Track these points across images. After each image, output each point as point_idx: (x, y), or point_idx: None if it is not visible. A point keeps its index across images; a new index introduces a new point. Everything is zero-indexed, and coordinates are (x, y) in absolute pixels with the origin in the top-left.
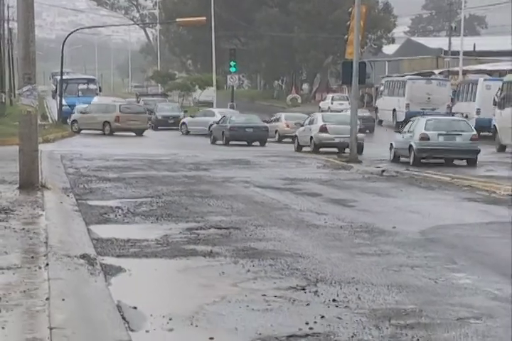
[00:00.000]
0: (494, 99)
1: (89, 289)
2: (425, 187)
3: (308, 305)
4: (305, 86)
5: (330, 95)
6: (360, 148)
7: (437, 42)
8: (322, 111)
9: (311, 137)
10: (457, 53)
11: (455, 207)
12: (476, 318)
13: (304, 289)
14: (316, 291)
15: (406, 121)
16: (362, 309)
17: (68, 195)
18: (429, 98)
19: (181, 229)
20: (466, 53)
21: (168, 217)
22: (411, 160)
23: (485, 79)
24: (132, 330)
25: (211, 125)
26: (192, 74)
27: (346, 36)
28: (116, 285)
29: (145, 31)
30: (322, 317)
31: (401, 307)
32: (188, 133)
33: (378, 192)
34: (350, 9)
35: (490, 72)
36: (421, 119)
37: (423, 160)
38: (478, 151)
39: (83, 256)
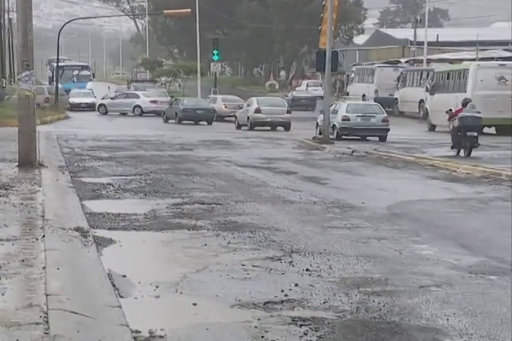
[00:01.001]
0: (426, 87)
1: (83, 259)
2: (392, 167)
3: (283, 274)
4: (282, 73)
5: (305, 81)
6: (287, 126)
7: (404, 33)
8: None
9: (248, 117)
10: (422, 43)
11: (419, 185)
12: (437, 286)
13: (279, 259)
14: (291, 261)
15: None
16: (333, 277)
17: (64, 173)
18: (396, 84)
19: (167, 204)
20: (430, 43)
21: (156, 193)
22: (334, 137)
23: None
24: (122, 297)
25: (136, 106)
26: (178, 62)
27: (320, 27)
28: (107, 256)
29: (135, 22)
30: (296, 285)
31: (368, 275)
32: (106, 113)
33: (349, 170)
34: (323, 2)
35: (451, 61)
36: (342, 104)
37: (343, 137)
38: (388, 130)
39: (77, 229)
